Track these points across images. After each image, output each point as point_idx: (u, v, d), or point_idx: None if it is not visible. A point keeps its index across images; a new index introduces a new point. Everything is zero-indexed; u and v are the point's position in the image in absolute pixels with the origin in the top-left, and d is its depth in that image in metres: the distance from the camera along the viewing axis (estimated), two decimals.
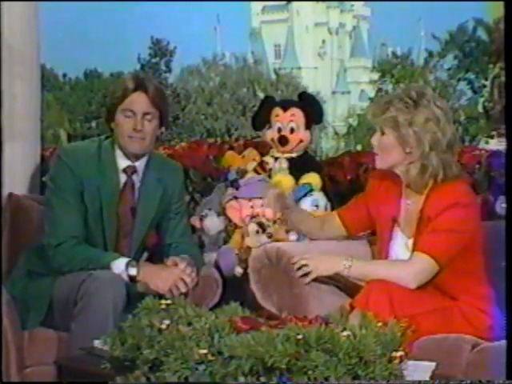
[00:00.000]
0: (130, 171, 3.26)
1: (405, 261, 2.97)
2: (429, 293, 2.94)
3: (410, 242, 3.02)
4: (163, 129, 3.30)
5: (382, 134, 2.99)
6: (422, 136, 2.93)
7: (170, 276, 3.13)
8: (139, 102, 3.18)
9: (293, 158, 4.00)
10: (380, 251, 3.12)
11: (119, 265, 3.11)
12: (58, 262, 3.14)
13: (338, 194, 3.88)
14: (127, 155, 3.24)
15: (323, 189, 3.93)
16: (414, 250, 2.97)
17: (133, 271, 3.11)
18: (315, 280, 3.08)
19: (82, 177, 3.18)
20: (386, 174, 3.08)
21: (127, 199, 3.26)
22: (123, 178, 3.25)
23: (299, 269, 3.05)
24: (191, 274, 3.16)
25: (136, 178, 3.27)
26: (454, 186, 2.98)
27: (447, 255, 2.92)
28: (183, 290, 3.12)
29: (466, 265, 2.96)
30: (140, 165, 3.27)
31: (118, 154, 3.24)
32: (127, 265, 3.11)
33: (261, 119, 4.12)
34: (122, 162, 3.24)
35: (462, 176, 3.06)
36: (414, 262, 2.92)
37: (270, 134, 4.05)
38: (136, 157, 3.25)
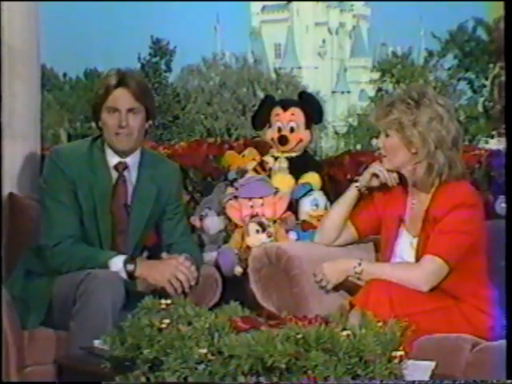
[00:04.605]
0: (121, 168, 3.25)
1: (416, 264, 2.96)
2: (429, 292, 2.93)
3: (415, 240, 3.03)
4: (150, 122, 3.29)
5: (387, 136, 3.00)
6: (426, 135, 2.94)
7: (168, 267, 3.13)
8: (122, 98, 3.18)
9: (292, 158, 4.00)
10: (384, 250, 3.11)
11: (117, 262, 3.11)
12: (55, 262, 3.15)
13: (338, 194, 3.87)
14: (117, 152, 3.23)
15: (323, 188, 3.93)
16: (421, 251, 2.97)
17: (130, 267, 3.11)
18: None
19: (73, 176, 3.18)
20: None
21: (119, 196, 3.25)
22: (115, 175, 3.25)
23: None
24: (190, 268, 3.16)
25: (128, 175, 3.27)
26: (460, 187, 2.98)
27: (456, 256, 2.92)
28: (183, 279, 3.11)
29: (470, 265, 2.96)
30: (132, 161, 3.27)
31: (108, 151, 3.24)
32: (125, 262, 3.12)
33: (261, 119, 4.12)
34: (113, 160, 3.24)
35: (466, 175, 3.08)
36: (425, 264, 2.92)
37: (270, 134, 4.05)
38: (125, 153, 3.24)
